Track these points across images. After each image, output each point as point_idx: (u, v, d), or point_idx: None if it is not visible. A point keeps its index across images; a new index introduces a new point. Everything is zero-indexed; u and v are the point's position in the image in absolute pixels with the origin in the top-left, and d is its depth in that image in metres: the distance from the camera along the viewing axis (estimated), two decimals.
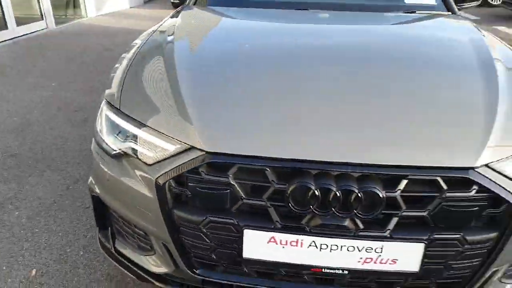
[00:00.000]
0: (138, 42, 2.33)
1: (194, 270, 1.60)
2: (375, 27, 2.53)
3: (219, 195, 1.44)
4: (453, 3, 3.01)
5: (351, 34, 2.37)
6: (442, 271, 1.46)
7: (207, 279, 1.61)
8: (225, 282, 1.60)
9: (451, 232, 1.41)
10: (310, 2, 2.98)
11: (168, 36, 2.26)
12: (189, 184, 1.46)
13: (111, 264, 2.15)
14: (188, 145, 1.47)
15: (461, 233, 1.40)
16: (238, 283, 1.59)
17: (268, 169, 1.40)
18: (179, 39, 2.20)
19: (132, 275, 1.77)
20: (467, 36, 2.33)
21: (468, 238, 1.40)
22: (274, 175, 1.41)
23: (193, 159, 1.44)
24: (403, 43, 2.21)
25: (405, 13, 2.84)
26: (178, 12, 2.87)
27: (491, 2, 12.50)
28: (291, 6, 2.93)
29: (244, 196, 1.43)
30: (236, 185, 1.42)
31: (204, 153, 1.43)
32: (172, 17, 2.81)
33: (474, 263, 1.46)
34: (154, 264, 1.70)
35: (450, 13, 2.91)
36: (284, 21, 2.65)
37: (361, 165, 1.38)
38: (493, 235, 1.42)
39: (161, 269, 1.68)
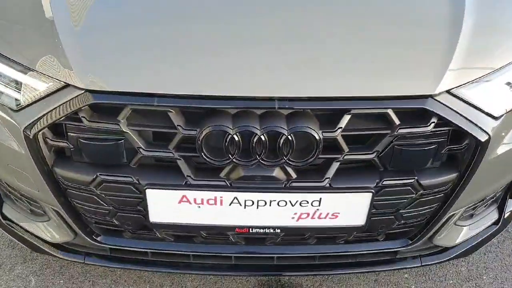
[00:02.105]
0: None
1: (95, 238, 1.30)
2: None
3: (109, 147, 1.10)
4: None
5: None
6: (392, 222, 1.23)
7: (114, 247, 1.32)
8: (135, 249, 1.31)
9: (404, 176, 1.15)
10: None
11: None
12: (69, 134, 1.10)
13: None
14: (62, 81, 1.09)
15: (415, 177, 1.15)
16: (151, 250, 1.31)
17: (172, 110, 1.05)
18: None
19: (26, 246, 1.45)
20: None
21: (423, 182, 1.15)
22: (180, 118, 1.07)
23: (69, 100, 1.07)
24: None
25: None
26: None
27: None
28: None
29: (143, 147, 1.10)
30: (130, 133, 1.08)
31: (83, 91, 1.06)
32: None
33: (429, 210, 1.23)
34: (50, 232, 1.37)
35: None
36: None
37: (290, 99, 1.05)
38: (452, 176, 1.18)
39: (59, 238, 1.36)
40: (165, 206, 1.15)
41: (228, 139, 1.04)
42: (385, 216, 1.21)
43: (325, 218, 1.17)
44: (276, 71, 1.09)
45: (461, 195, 1.21)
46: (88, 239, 1.30)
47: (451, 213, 1.28)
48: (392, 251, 1.35)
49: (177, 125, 1.06)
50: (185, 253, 1.31)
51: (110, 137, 1.09)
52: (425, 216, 1.25)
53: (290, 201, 1.13)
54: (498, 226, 1.49)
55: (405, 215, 1.22)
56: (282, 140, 1.04)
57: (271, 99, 1.05)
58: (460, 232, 1.41)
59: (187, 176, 1.11)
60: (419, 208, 1.21)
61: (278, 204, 1.13)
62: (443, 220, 1.28)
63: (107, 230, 1.30)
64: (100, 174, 1.12)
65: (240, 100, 1.06)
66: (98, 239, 1.30)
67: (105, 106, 1.08)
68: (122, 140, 1.09)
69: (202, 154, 1.06)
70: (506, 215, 1.50)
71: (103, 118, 1.08)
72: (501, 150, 1.19)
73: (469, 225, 1.44)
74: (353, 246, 1.32)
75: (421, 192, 1.16)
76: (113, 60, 1.13)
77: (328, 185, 1.12)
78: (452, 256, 1.43)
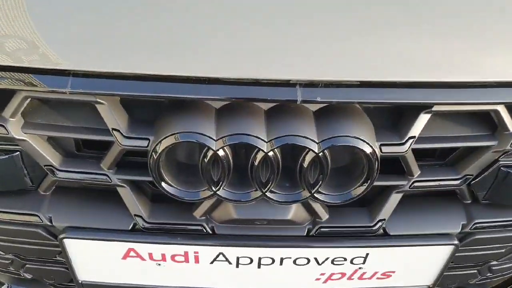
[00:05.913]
0: None
1: None
2: None
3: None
4: None
5: None
6: (472, 277, 0.78)
7: None
8: None
9: (506, 215, 0.69)
10: None
11: None
12: None
13: None
14: None
15: None
16: None
17: (102, 101, 0.56)
18: None
19: None
20: None
21: None
22: (119, 115, 0.58)
23: None
24: None
25: None
26: None
27: None
28: None
29: (55, 165, 0.61)
30: (30, 142, 0.59)
31: None
32: None
33: None
34: None
35: None
36: None
37: (325, 84, 0.56)
38: None
39: None
40: (102, 261, 0.68)
41: (208, 156, 0.56)
42: (465, 271, 0.76)
43: (370, 278, 0.71)
44: (300, 38, 0.59)
45: None
46: None
47: None
48: None
49: (112, 129, 0.57)
50: None
51: None
52: None
53: (315, 259, 0.66)
54: None
55: (496, 268, 0.77)
56: (307, 160, 0.56)
57: (289, 83, 0.56)
58: None
59: (136, 215, 0.64)
60: None
61: (294, 262, 0.67)
62: None
63: (17, 280, 0.83)
64: None
65: (231, 85, 0.56)
66: None
67: None
68: (18, 152, 0.61)
69: (159, 178, 0.58)
70: None
71: None
72: None
73: None
74: None
75: None
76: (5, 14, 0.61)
77: (382, 231, 0.66)
78: None
